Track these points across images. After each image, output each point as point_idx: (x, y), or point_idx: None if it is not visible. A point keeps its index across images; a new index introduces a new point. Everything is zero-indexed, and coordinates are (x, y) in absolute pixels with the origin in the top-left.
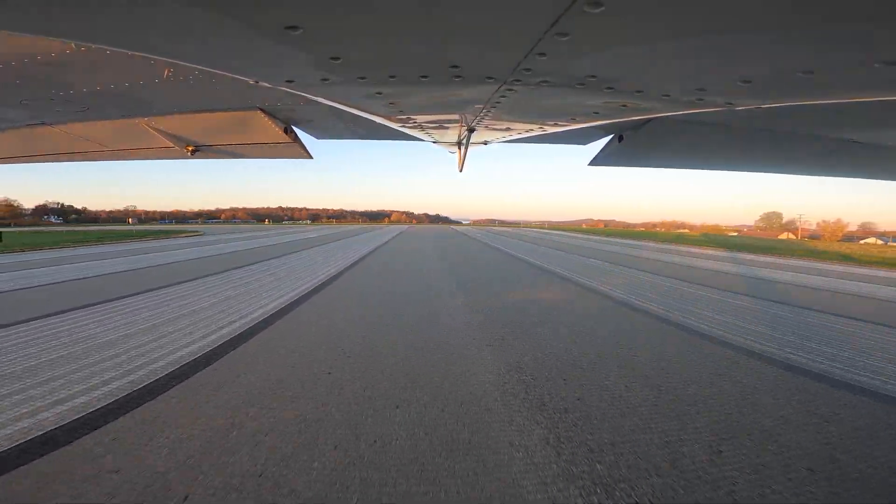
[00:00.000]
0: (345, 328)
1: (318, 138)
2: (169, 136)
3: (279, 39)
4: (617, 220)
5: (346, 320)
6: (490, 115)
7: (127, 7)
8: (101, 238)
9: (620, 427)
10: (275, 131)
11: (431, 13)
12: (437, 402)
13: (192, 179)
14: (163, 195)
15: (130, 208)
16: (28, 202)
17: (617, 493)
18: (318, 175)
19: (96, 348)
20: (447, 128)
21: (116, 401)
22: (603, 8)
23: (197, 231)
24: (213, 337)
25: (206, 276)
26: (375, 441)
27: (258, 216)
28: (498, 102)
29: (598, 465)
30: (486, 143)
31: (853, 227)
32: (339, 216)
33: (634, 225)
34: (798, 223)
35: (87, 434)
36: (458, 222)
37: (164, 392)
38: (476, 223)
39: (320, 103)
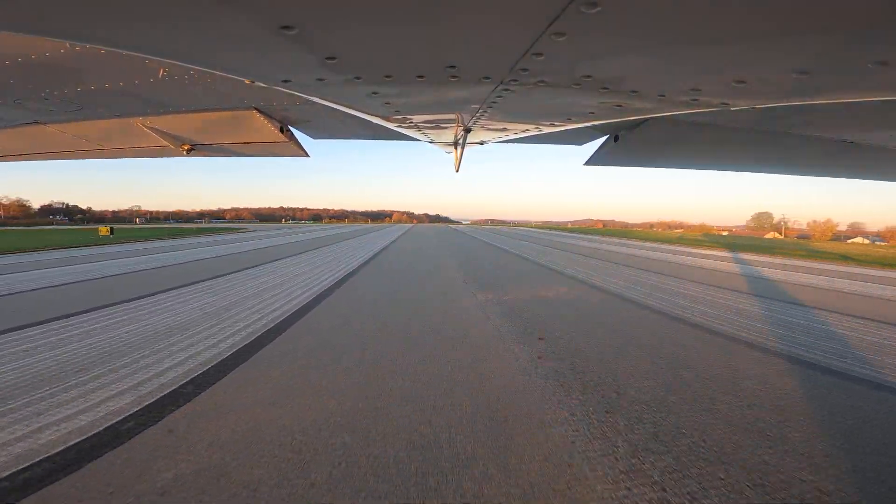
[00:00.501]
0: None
1: (314, 138)
2: (165, 135)
3: (275, 39)
4: (616, 220)
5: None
6: (486, 115)
7: (121, 7)
8: (178, 233)
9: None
10: (271, 131)
11: (428, 14)
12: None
13: (192, 179)
14: (165, 195)
15: (135, 208)
16: (33, 202)
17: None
18: (319, 176)
19: (290, 278)
20: (444, 128)
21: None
22: (599, 8)
23: (242, 228)
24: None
25: (320, 247)
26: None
27: (261, 216)
28: (494, 102)
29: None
30: (482, 143)
31: (843, 227)
32: (341, 216)
33: (633, 225)
34: (783, 224)
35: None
36: (457, 222)
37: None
38: (475, 223)
39: (316, 103)
